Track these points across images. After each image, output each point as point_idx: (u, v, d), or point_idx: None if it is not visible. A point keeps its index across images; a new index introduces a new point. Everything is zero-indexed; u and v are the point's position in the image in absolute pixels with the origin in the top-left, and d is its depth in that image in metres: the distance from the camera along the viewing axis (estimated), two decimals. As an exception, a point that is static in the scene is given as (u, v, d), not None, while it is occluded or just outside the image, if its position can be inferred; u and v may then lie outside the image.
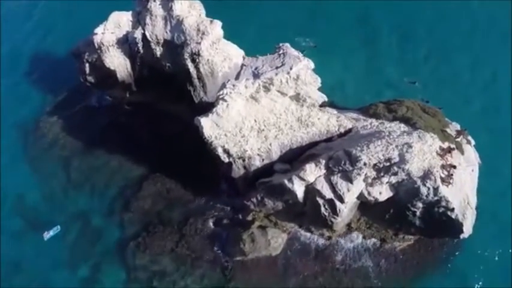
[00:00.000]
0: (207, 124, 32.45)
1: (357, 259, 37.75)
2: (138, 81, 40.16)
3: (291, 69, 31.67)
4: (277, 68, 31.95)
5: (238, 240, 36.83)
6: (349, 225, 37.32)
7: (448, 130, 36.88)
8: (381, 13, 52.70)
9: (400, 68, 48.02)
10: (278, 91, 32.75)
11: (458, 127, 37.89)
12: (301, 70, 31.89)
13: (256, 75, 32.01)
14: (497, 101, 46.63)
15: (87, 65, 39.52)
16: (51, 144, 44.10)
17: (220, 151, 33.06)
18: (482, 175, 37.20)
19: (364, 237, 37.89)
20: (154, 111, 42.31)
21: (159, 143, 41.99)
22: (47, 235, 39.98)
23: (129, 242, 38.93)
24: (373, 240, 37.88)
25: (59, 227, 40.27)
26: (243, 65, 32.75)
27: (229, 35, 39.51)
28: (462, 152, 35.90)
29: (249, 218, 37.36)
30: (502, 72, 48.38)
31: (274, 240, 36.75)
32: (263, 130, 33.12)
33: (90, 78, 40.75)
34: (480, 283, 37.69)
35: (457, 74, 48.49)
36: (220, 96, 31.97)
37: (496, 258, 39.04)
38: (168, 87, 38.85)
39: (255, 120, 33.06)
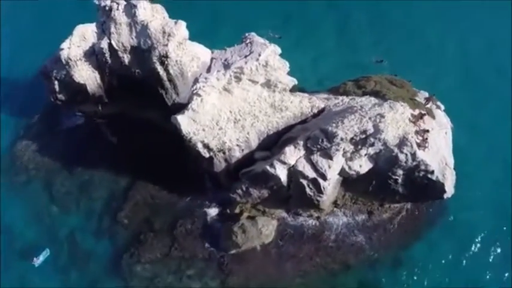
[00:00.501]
0: (184, 121, 33.57)
1: (348, 235, 39.30)
2: (109, 92, 40.80)
3: (259, 56, 33.17)
4: (245, 56, 33.44)
5: (229, 233, 37.89)
6: (335, 202, 38.80)
7: (417, 98, 38.93)
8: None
9: (370, 51, 50.19)
10: (249, 80, 34.17)
11: (426, 94, 39.91)
12: (269, 56, 33.43)
13: (226, 66, 33.40)
14: (468, 74, 49.75)
15: (56, 82, 40.09)
16: (30, 169, 44.17)
17: (200, 146, 34.15)
18: (460, 139, 39.51)
19: (352, 213, 39.51)
20: (129, 121, 43.13)
21: (138, 151, 42.61)
22: (37, 261, 39.97)
23: (122, 254, 39.34)
24: (361, 214, 39.54)
25: (48, 250, 40.36)
26: (212, 58, 34.12)
27: (203, 36, 40.83)
28: (433, 117, 37.81)
29: (237, 210, 38.55)
30: (472, 46, 51.83)
31: (265, 228, 37.96)
32: (239, 120, 34.45)
33: (60, 96, 41.28)
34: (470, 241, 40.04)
35: (428, 51, 51.40)
36: (194, 91, 33.16)
37: (481, 217, 41.34)
38: (140, 94, 39.58)
39: (230, 111, 34.38)
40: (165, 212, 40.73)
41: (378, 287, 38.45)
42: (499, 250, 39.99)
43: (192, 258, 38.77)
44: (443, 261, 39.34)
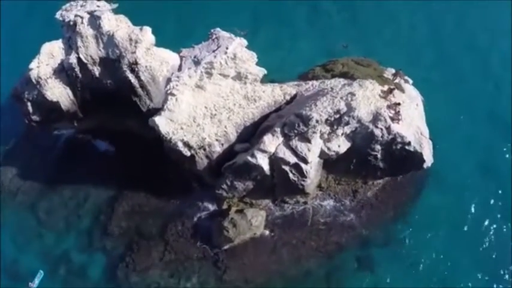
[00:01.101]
0: (162, 122, 34.83)
1: (337, 216, 40.71)
2: (83, 107, 41.81)
3: (227, 49, 34.74)
4: (214, 51, 34.95)
5: (220, 229, 38.89)
6: (319, 186, 40.30)
7: (384, 75, 40.96)
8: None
9: (341, 38, 52.30)
10: (220, 74, 35.62)
11: (393, 71, 41.97)
12: (236, 48, 35.07)
13: (196, 63, 34.85)
14: (439, 56, 52.35)
15: (29, 104, 40.85)
16: (13, 194, 44.53)
17: (180, 145, 35.32)
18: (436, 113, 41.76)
19: (337, 194, 41.05)
20: (107, 133, 44.36)
21: (119, 162, 43.81)
22: (33, 285, 40.39)
23: (117, 265, 39.99)
24: (347, 194, 41.10)
25: (41, 271, 40.69)
26: (181, 56, 35.56)
27: (173, 41, 42.42)
28: (403, 91, 39.79)
29: (225, 206, 39.67)
30: (443, 25, 54.96)
31: (255, 220, 39.08)
32: (215, 114, 35.83)
33: (35, 117, 41.97)
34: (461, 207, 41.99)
35: (399, 34, 54.16)
36: (168, 91, 34.56)
37: (466, 182, 43.43)
38: (114, 105, 40.61)
39: (206, 107, 35.75)
40: (154, 218, 41.54)
41: (375, 265, 39.69)
42: (492, 210, 41.86)
43: (187, 260, 39.53)
44: (438, 232, 40.90)
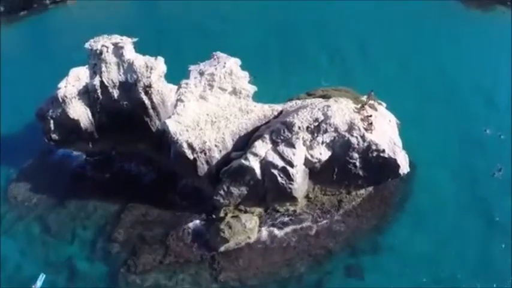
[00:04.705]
0: (172, 123, 46.26)
1: (324, 224, 49.57)
2: (99, 129, 53.10)
3: (225, 63, 47.69)
4: (215, 66, 47.88)
5: (217, 231, 47.54)
6: (307, 197, 49.78)
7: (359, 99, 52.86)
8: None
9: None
10: (219, 88, 47.92)
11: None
12: (233, 65, 47.89)
13: (201, 74, 47.69)
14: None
15: (51, 121, 52.08)
16: (25, 207, 54.02)
17: (185, 146, 45.80)
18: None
19: (324, 204, 50.48)
20: (118, 155, 55.58)
21: (126, 179, 54.38)
22: (36, 287, 47.32)
23: (119, 268, 47.67)
24: (332, 204, 50.31)
25: (43, 274, 47.90)
26: (189, 70, 48.66)
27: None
28: (375, 110, 50.50)
29: (221, 214, 48.81)
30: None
31: (249, 223, 47.93)
32: (215, 122, 47.06)
33: (54, 136, 53.04)
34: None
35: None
36: (178, 97, 46.77)
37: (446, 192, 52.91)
38: (127, 127, 52.03)
39: (207, 114, 47.27)
40: (157, 226, 50.43)
41: (364, 271, 46.83)
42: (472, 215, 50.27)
43: (185, 262, 47.54)
44: (423, 240, 48.53)
